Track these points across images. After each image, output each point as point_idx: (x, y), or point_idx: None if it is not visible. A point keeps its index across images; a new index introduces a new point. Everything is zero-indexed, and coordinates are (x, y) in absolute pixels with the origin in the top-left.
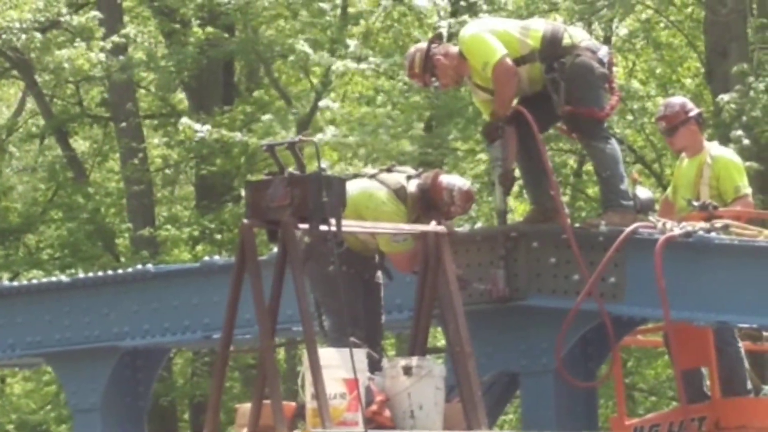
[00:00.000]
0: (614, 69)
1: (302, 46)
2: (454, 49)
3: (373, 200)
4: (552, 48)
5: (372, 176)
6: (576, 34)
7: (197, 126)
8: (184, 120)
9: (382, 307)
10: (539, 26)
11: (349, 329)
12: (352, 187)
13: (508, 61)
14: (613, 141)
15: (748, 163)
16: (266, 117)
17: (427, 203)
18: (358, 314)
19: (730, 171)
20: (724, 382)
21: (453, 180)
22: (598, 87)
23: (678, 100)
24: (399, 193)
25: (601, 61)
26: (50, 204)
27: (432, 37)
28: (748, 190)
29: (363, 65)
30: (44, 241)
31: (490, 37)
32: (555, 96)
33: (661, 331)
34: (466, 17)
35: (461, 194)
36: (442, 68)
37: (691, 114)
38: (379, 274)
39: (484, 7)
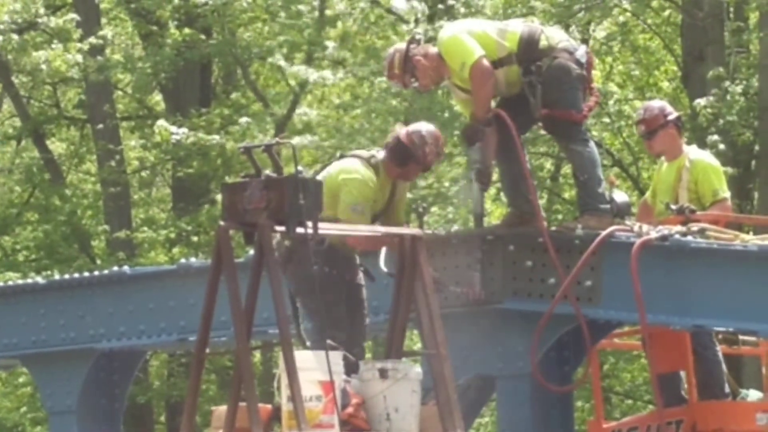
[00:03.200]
0: (593, 69)
1: (278, 59)
2: (433, 49)
3: (345, 170)
4: (529, 51)
5: (341, 156)
6: (553, 36)
7: (174, 129)
8: (161, 122)
9: (366, 308)
10: (516, 28)
11: (330, 331)
12: (330, 170)
13: (485, 62)
14: (592, 144)
15: (724, 168)
16: (243, 120)
17: (401, 157)
18: (341, 316)
19: (709, 175)
20: (701, 386)
21: (416, 125)
22: (575, 89)
23: (657, 103)
24: (370, 161)
25: (578, 62)
26: (26, 206)
27: (410, 38)
28: (727, 194)
29: (340, 74)
30: (20, 243)
31: (468, 38)
32: (532, 99)
33: (640, 335)
34: (443, 22)
35: (430, 134)
36: (421, 69)
37: (670, 117)
38: (361, 275)
39: (462, 10)
